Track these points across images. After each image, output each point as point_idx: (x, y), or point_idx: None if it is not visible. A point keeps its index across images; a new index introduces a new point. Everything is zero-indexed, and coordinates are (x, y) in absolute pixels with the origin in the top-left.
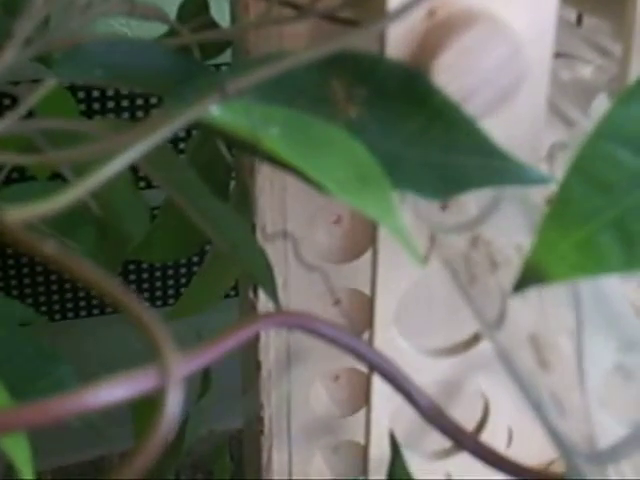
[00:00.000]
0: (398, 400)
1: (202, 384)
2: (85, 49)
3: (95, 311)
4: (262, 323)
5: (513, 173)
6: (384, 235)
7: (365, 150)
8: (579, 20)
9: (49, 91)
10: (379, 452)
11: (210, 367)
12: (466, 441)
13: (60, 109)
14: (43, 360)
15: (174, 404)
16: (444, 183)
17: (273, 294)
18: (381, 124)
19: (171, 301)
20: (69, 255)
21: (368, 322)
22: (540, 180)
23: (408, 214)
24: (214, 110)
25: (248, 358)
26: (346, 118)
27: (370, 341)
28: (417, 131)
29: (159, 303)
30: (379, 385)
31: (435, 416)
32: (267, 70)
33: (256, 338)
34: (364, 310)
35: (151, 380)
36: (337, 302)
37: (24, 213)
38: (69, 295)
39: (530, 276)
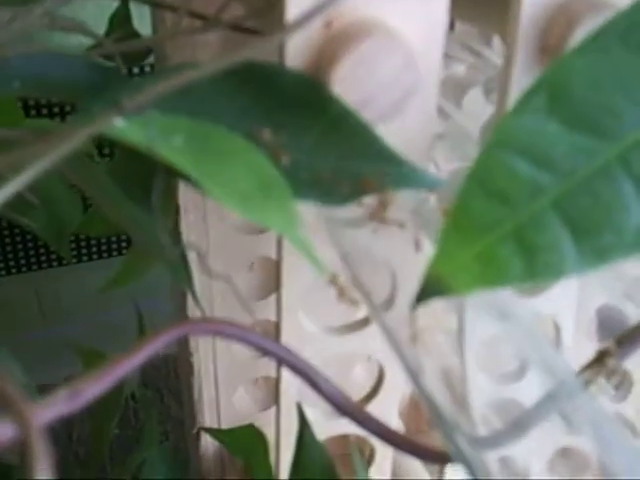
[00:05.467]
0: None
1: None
2: (4, 62)
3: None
4: (160, 340)
5: (408, 178)
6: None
7: (267, 160)
8: (452, 25)
9: None
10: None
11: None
12: (371, 426)
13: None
14: None
15: (39, 454)
16: (343, 189)
17: (192, 292)
18: (285, 134)
19: (125, 251)
20: None
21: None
22: (433, 184)
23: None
24: (117, 123)
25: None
26: (250, 129)
27: (278, 326)
28: (318, 140)
29: (115, 253)
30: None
31: (341, 405)
32: (165, 84)
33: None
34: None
35: (8, 431)
36: (251, 266)
37: None
38: None
39: (432, 287)
